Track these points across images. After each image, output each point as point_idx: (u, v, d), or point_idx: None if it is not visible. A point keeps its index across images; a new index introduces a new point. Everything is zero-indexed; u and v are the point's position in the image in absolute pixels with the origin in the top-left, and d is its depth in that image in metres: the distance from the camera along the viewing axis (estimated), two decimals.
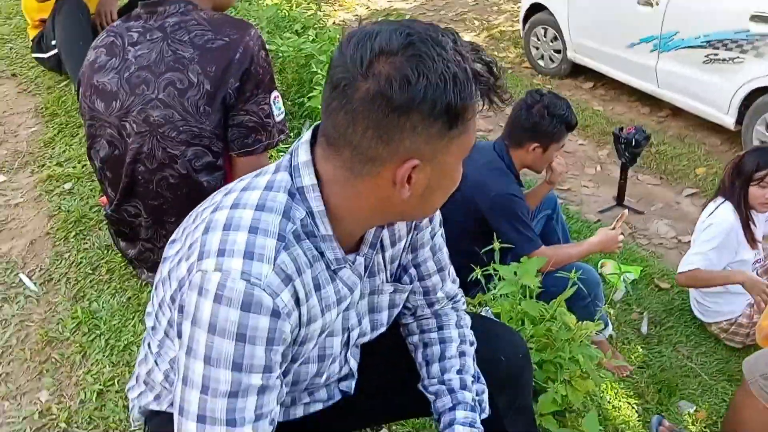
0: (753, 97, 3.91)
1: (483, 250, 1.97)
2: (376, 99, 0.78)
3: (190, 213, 0.98)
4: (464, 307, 1.23)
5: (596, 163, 4.37)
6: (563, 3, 5.16)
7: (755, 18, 3.75)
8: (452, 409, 1.09)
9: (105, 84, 1.60)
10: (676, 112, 4.69)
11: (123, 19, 1.66)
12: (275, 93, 1.61)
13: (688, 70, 4.26)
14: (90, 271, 2.11)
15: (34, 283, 2.06)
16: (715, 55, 4.04)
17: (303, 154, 0.89)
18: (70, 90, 3.12)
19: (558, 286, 1.90)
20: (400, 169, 0.82)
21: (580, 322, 1.85)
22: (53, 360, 1.79)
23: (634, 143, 3.54)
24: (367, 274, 1.00)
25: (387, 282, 1.07)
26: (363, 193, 0.86)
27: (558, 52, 5.46)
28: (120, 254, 2.05)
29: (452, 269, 1.21)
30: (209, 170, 1.62)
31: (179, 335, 0.87)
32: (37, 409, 1.63)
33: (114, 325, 1.89)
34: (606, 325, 2.40)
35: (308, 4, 4.64)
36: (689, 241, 3.46)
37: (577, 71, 5.45)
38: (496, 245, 1.84)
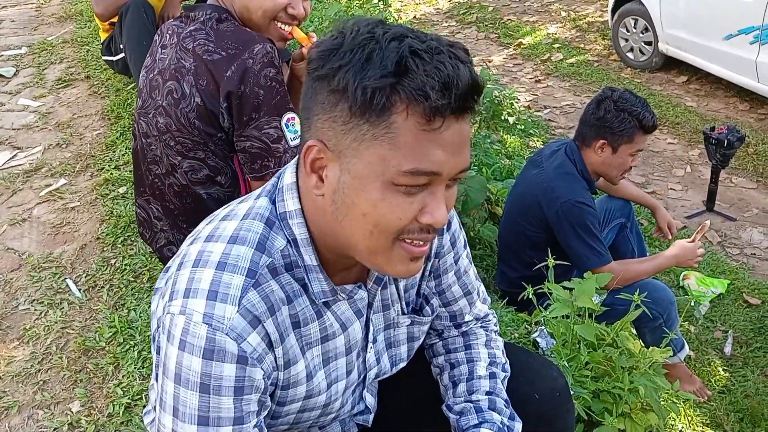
0: None
1: (536, 267, 1.86)
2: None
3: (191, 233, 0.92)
4: (496, 328, 1.14)
5: (686, 163, 4.08)
6: None
7: None
8: (477, 426, 0.98)
9: (141, 81, 1.63)
10: None
11: (176, 17, 1.64)
12: (289, 115, 1.48)
13: None
14: (132, 279, 2.16)
15: (80, 290, 2.13)
16: None
17: (288, 176, 0.83)
18: (135, 93, 3.27)
19: (627, 306, 1.77)
20: (304, 148, 0.76)
21: (645, 348, 1.73)
22: (88, 370, 1.83)
23: (726, 144, 3.28)
24: (374, 309, 0.94)
25: (403, 314, 1.00)
26: (305, 193, 0.81)
27: (649, 44, 5.15)
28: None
29: (482, 288, 1.13)
30: (208, 184, 1.57)
31: (156, 378, 0.82)
32: (68, 421, 1.66)
33: (148, 336, 1.91)
34: (681, 347, 2.22)
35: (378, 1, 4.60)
36: None
37: (670, 64, 5.12)
38: (551, 261, 1.73)
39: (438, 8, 7.87)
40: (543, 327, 1.83)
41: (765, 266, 3.15)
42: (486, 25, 6.96)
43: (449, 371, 1.09)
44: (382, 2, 4.47)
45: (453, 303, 1.08)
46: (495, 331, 1.14)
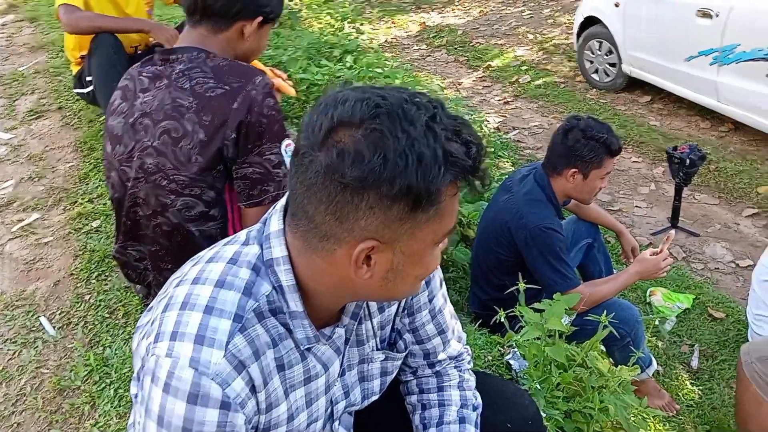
0: None
1: (508, 291, 1.91)
2: (329, 173, 0.74)
3: (175, 273, 0.94)
4: (469, 366, 1.18)
5: (650, 181, 4.20)
6: (618, 16, 5.02)
7: None
8: None
9: (114, 127, 1.62)
10: (738, 127, 4.47)
11: (142, 62, 1.66)
12: (287, 141, 1.57)
13: (750, 83, 4.04)
14: (107, 315, 2.15)
15: (54, 327, 2.12)
16: None
17: (275, 223, 0.85)
18: None
19: (595, 326, 1.83)
20: (355, 250, 0.78)
21: (614, 367, 1.79)
22: (63, 410, 1.80)
23: (688, 163, 3.39)
24: (350, 344, 0.97)
25: (377, 349, 1.04)
26: (323, 269, 0.82)
27: (613, 65, 5.31)
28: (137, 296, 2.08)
29: (458, 326, 1.17)
30: (202, 220, 1.59)
31: (136, 417, 0.83)
32: None
33: (124, 373, 1.90)
34: (649, 364, 2.29)
35: (355, 26, 4.68)
36: (748, 266, 3.30)
37: (634, 85, 5.28)
38: (521, 285, 1.79)
39: (408, 32, 8.02)
40: (515, 349, 1.88)
41: (728, 280, 3.26)
42: (455, 48, 7.11)
43: (420, 412, 1.13)
44: (355, 30, 4.55)
45: (427, 341, 1.11)
46: (468, 370, 1.18)
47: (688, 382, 2.57)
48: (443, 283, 1.12)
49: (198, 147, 1.50)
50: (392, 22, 8.42)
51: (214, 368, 0.77)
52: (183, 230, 1.59)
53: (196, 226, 1.59)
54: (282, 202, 0.88)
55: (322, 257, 0.81)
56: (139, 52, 3.03)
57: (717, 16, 4.14)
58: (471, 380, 1.17)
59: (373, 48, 4.89)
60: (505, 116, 5.36)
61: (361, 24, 6.31)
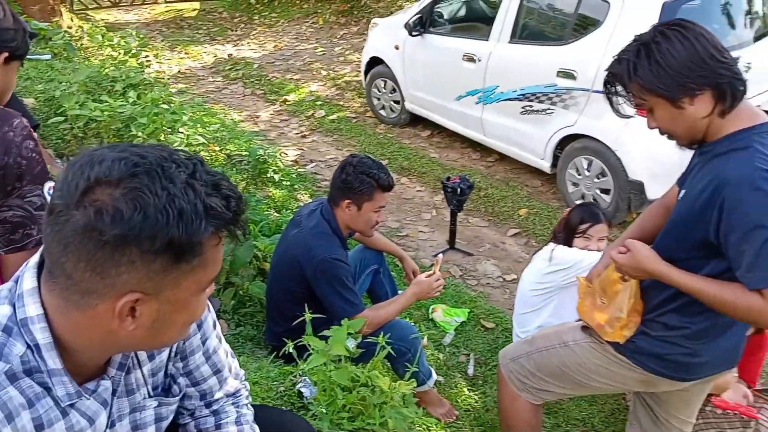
0: (564, 143, 4.37)
1: (296, 321, 2.01)
2: (87, 231, 0.75)
3: None
4: (247, 401, 1.24)
5: (432, 208, 4.64)
6: (398, 58, 5.47)
7: (561, 74, 4.21)
8: None
9: None
10: (502, 157, 5.11)
11: None
12: (50, 184, 1.51)
13: (508, 120, 4.67)
14: None
15: None
16: (531, 106, 4.47)
17: (28, 281, 0.84)
18: None
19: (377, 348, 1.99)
20: (118, 303, 0.79)
21: (394, 383, 1.97)
22: None
23: (459, 191, 3.82)
24: (118, 395, 0.98)
25: (150, 397, 1.05)
26: (85, 325, 0.82)
27: (397, 102, 5.76)
28: None
29: (235, 364, 1.22)
30: None
31: None
32: None
33: None
34: (430, 375, 2.53)
35: (140, 59, 4.53)
36: (512, 279, 3.78)
37: (416, 120, 5.77)
38: (308, 315, 1.90)
39: (203, 63, 7.92)
40: (305, 377, 1.97)
41: (497, 293, 3.71)
42: (252, 82, 7.18)
43: None
44: (138, 64, 4.40)
45: (203, 382, 1.15)
46: (246, 405, 1.23)
47: (465, 389, 2.87)
48: (217, 324, 1.17)
49: None
50: (185, 53, 8.26)
51: None
52: None
53: None
54: (35, 258, 0.87)
55: (83, 313, 0.81)
56: None
57: (479, 60, 4.73)
58: (249, 414, 1.22)
59: (161, 81, 4.75)
60: (303, 149, 5.54)
61: (155, 55, 6.11)
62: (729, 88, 1.49)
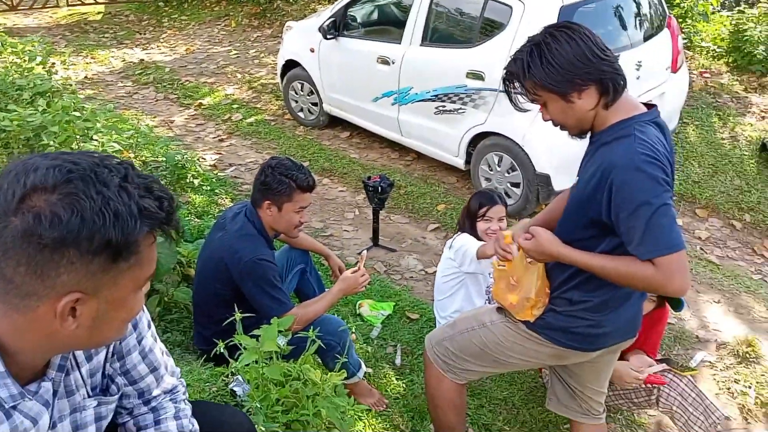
0: (476, 141, 4.58)
1: (226, 322, 2.05)
2: (26, 236, 0.79)
3: None
4: (185, 396, 1.29)
5: (355, 207, 4.74)
6: (314, 60, 5.53)
7: (470, 75, 4.41)
8: None
9: None
10: (420, 156, 5.28)
11: None
12: None
13: (423, 120, 4.83)
14: None
15: None
16: (443, 106, 4.65)
17: None
18: None
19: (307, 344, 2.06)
20: (59, 304, 0.83)
21: (325, 375, 2.05)
22: None
23: (380, 190, 3.94)
24: (59, 396, 1.01)
25: (89, 397, 1.08)
26: (26, 327, 0.85)
27: (315, 104, 5.81)
28: None
29: (170, 362, 1.27)
30: None
31: None
32: None
33: None
34: (359, 367, 2.63)
35: (47, 65, 4.35)
36: (434, 272, 3.93)
37: (335, 122, 5.84)
38: (238, 315, 1.95)
39: (111, 68, 7.66)
40: (238, 376, 2.02)
41: (420, 286, 3.85)
42: (164, 86, 7.02)
43: None
44: (45, 71, 4.23)
45: (140, 380, 1.19)
46: (184, 400, 1.28)
47: (394, 378, 2.99)
48: (151, 324, 1.21)
49: None
50: (92, 58, 7.96)
51: None
52: None
53: None
54: None
55: (24, 315, 0.84)
56: None
57: (393, 63, 4.87)
58: (187, 409, 1.27)
59: (69, 87, 4.59)
60: (221, 153, 5.50)
61: (62, 61, 5.86)
62: (611, 82, 1.68)
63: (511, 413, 2.88)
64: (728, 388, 3.16)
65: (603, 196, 1.66)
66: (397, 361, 3.11)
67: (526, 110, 1.86)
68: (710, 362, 3.33)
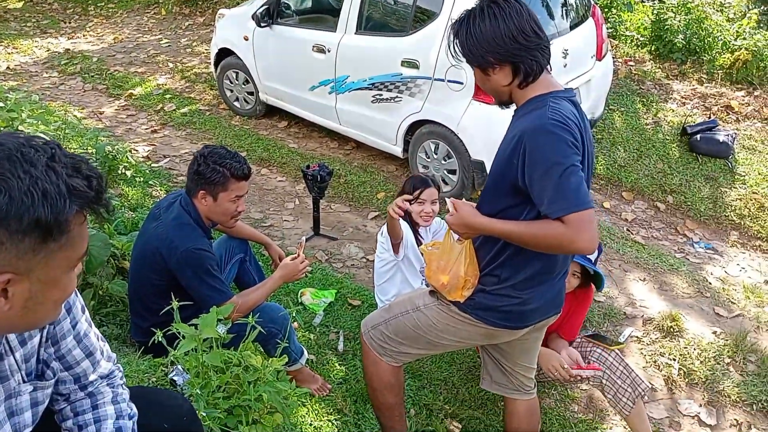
0: (413, 129, 4.64)
1: (162, 311, 2.03)
2: None
3: None
4: (122, 381, 1.28)
5: (295, 197, 4.72)
6: (248, 49, 5.45)
7: (405, 63, 4.45)
8: None
9: None
10: (359, 145, 5.31)
11: None
12: None
13: (361, 108, 4.85)
14: None
15: None
16: (380, 95, 4.68)
17: None
18: None
19: (252, 329, 2.05)
20: None
21: (266, 361, 2.05)
22: None
23: (319, 179, 3.94)
24: None
25: (24, 382, 1.07)
26: None
27: (251, 94, 5.73)
28: None
29: (106, 347, 1.26)
30: None
31: None
32: None
33: None
34: (301, 354, 2.64)
35: None
36: (374, 259, 3.99)
37: (273, 111, 5.79)
38: (175, 304, 1.92)
39: (35, 58, 7.33)
40: (178, 365, 2.00)
41: (362, 273, 3.89)
42: (92, 76, 6.77)
43: None
44: None
45: (76, 365, 1.18)
46: (121, 385, 1.27)
47: (337, 364, 3.02)
48: (85, 309, 1.20)
49: None
50: (14, 48, 7.58)
51: None
52: None
53: None
54: None
55: None
56: None
57: (329, 51, 4.86)
58: (125, 393, 1.26)
59: None
60: (155, 144, 5.36)
61: None
62: (523, 66, 1.77)
63: (451, 392, 2.96)
64: (654, 361, 3.35)
65: (518, 161, 1.73)
66: (340, 347, 3.15)
67: (460, 61, 1.93)
68: (637, 337, 3.52)
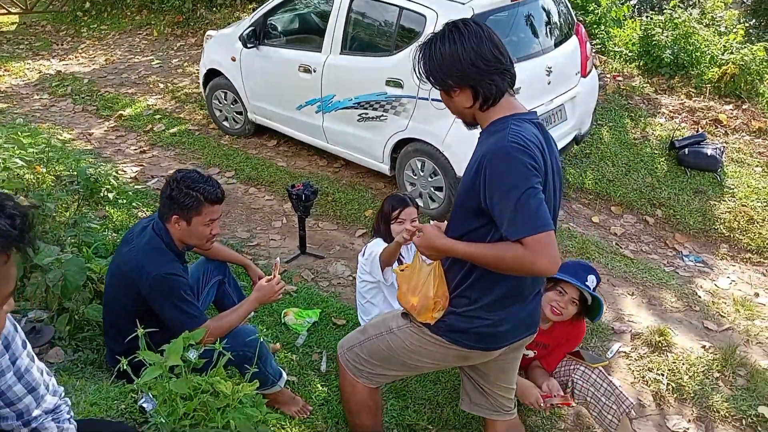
0: (399, 147, 4.64)
1: (128, 338, 2.00)
2: None
3: None
4: (69, 416, 1.26)
5: (282, 216, 4.71)
6: (236, 69, 5.47)
7: (389, 83, 4.46)
8: None
9: None
10: (347, 163, 5.30)
11: None
12: None
13: (347, 127, 4.85)
14: None
15: None
16: (366, 114, 4.69)
17: None
18: None
19: (224, 355, 2.01)
20: None
21: (237, 386, 2.02)
22: None
23: (304, 198, 3.94)
24: None
25: None
26: None
27: (240, 113, 5.75)
28: None
29: (52, 381, 1.23)
30: None
31: None
32: None
33: None
34: (280, 376, 2.60)
35: None
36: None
37: (261, 130, 5.79)
38: (140, 331, 1.90)
39: (26, 80, 7.36)
40: (146, 394, 1.97)
41: (348, 291, 3.86)
42: (82, 98, 6.80)
43: None
44: None
45: (17, 401, 1.15)
46: (68, 420, 1.25)
47: (319, 385, 2.98)
48: (27, 344, 1.18)
49: None
50: (6, 70, 7.62)
51: None
52: None
53: None
54: None
55: None
56: None
57: (315, 71, 4.87)
58: (71, 429, 1.24)
59: None
60: (143, 165, 5.36)
61: None
62: (482, 90, 1.77)
63: (435, 412, 2.93)
64: (643, 377, 3.31)
65: (480, 183, 1.73)
66: (323, 367, 3.11)
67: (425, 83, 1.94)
68: (625, 352, 3.48)
